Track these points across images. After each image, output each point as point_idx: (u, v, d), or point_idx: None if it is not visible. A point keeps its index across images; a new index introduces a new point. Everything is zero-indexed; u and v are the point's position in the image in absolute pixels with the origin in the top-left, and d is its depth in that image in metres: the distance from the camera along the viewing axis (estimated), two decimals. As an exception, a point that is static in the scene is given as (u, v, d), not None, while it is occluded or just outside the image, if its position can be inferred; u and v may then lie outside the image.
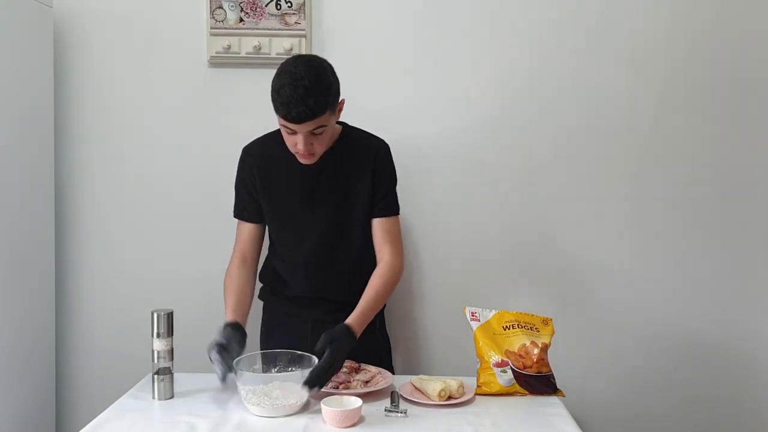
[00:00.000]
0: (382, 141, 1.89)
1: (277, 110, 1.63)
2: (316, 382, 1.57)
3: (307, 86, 1.59)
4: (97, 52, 2.20)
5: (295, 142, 1.68)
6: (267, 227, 1.94)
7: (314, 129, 1.65)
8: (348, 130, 1.88)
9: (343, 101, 1.73)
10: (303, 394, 1.58)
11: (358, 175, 1.83)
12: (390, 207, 1.88)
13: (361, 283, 1.81)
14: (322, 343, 1.62)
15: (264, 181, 1.86)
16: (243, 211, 1.91)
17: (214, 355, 1.63)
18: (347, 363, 1.74)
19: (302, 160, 1.75)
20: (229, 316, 1.78)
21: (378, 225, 1.87)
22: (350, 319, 1.71)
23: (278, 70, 1.65)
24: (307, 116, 1.61)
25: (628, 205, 2.25)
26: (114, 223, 2.23)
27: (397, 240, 1.89)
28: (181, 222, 2.23)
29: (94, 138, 2.22)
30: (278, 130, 1.87)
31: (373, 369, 1.74)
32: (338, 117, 1.76)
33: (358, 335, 1.70)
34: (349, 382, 1.66)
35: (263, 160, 1.87)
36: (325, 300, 1.88)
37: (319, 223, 1.84)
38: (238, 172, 1.91)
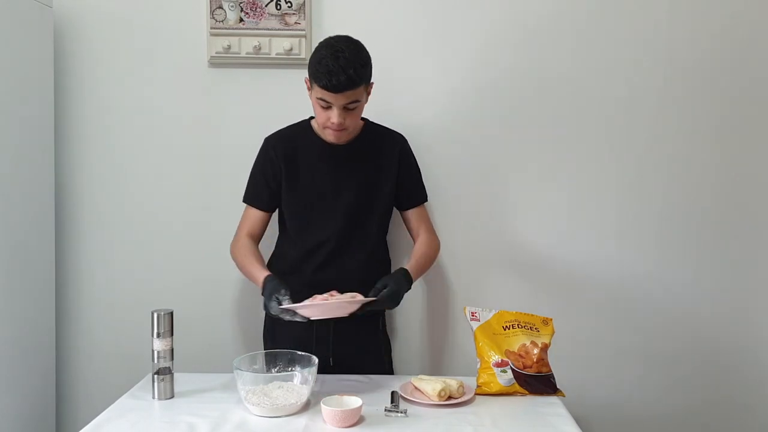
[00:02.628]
0: (401, 134, 2.00)
1: (318, 80, 1.71)
2: (377, 304, 1.70)
3: (347, 57, 1.69)
4: (97, 52, 2.20)
5: (329, 117, 1.76)
6: (281, 216, 1.98)
7: (349, 103, 1.73)
8: (370, 125, 1.96)
9: (372, 84, 1.81)
10: (303, 394, 1.58)
11: (381, 167, 1.93)
12: (420, 196, 2.03)
13: (370, 277, 1.81)
14: (382, 283, 1.73)
15: (289, 168, 1.91)
16: (255, 197, 1.95)
17: (286, 302, 1.66)
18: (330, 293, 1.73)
19: (331, 138, 1.82)
20: (263, 272, 1.81)
21: (411, 214, 2.01)
22: (408, 266, 1.84)
23: (317, 47, 1.75)
24: (347, 85, 1.70)
25: (629, 204, 2.24)
26: (114, 223, 2.23)
27: (430, 222, 2.05)
28: (181, 222, 2.23)
29: (94, 138, 2.22)
30: (299, 123, 1.96)
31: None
32: (368, 99, 1.82)
33: (413, 282, 1.82)
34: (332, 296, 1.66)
35: (290, 150, 1.92)
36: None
37: (340, 210, 1.90)
38: (258, 160, 1.96)
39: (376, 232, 1.96)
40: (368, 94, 1.83)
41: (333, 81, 1.68)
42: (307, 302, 1.63)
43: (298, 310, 1.61)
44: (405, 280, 1.79)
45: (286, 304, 1.64)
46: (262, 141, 1.95)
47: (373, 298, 1.69)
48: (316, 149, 1.90)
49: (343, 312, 1.64)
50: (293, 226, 1.95)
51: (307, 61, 2.06)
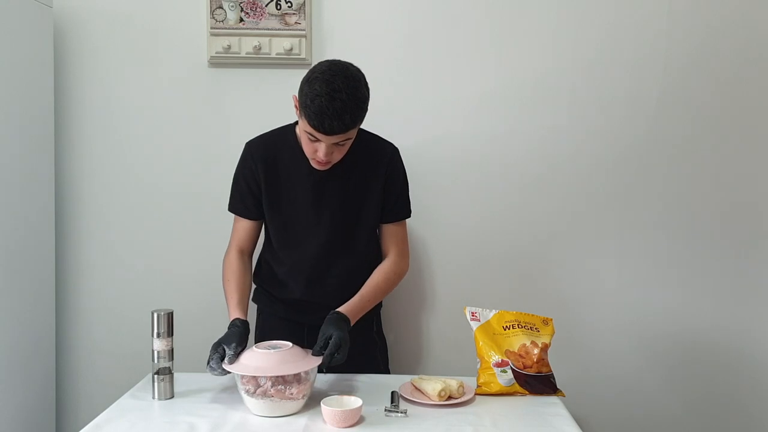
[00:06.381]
0: (393, 145, 1.87)
1: (309, 118, 1.58)
2: (326, 361, 1.59)
3: (344, 100, 1.55)
4: (98, 53, 2.20)
5: (315, 149, 1.65)
6: (266, 227, 1.91)
7: (340, 141, 1.63)
8: (359, 133, 1.81)
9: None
10: (304, 393, 1.58)
11: (368, 179, 1.82)
12: (402, 212, 1.90)
13: (362, 280, 1.80)
14: (323, 339, 1.63)
15: (269, 180, 1.82)
16: (240, 206, 1.86)
17: (215, 362, 1.61)
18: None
19: (317, 167, 1.72)
20: (236, 313, 1.75)
21: (387, 229, 1.89)
22: (343, 308, 1.72)
23: (311, 75, 1.59)
24: (340, 130, 1.58)
25: (628, 206, 2.24)
26: (114, 223, 2.23)
27: (404, 242, 1.92)
28: (181, 222, 2.23)
29: (94, 138, 2.22)
30: (283, 128, 1.87)
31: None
32: (353, 139, 1.72)
33: (352, 322, 1.72)
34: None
35: (269, 160, 1.82)
36: (322, 305, 1.80)
37: (324, 226, 1.82)
38: (239, 166, 1.86)
39: (364, 246, 1.86)
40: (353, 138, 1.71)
41: (325, 125, 1.55)
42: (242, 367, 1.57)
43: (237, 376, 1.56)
44: (345, 324, 1.69)
45: (227, 367, 1.57)
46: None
47: (319, 358, 1.60)
48: (298, 159, 1.77)
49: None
50: (276, 240, 1.86)
51: (307, 62, 2.05)
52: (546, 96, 2.21)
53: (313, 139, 1.64)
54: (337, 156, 1.70)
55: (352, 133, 1.65)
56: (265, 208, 1.84)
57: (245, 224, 1.87)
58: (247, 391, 1.56)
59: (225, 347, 1.62)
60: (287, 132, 1.85)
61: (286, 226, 1.84)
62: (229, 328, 1.70)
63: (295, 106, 1.68)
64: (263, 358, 1.57)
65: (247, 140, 1.90)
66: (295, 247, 1.84)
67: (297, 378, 1.58)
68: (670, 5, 2.19)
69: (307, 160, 1.76)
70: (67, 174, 2.22)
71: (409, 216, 1.92)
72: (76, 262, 2.24)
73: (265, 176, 1.82)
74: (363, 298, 1.79)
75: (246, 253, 1.89)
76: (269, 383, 1.55)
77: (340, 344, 1.61)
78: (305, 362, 1.58)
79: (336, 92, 1.54)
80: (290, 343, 1.63)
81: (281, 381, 1.56)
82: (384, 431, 1.48)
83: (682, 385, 2.29)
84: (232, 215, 1.90)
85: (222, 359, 1.60)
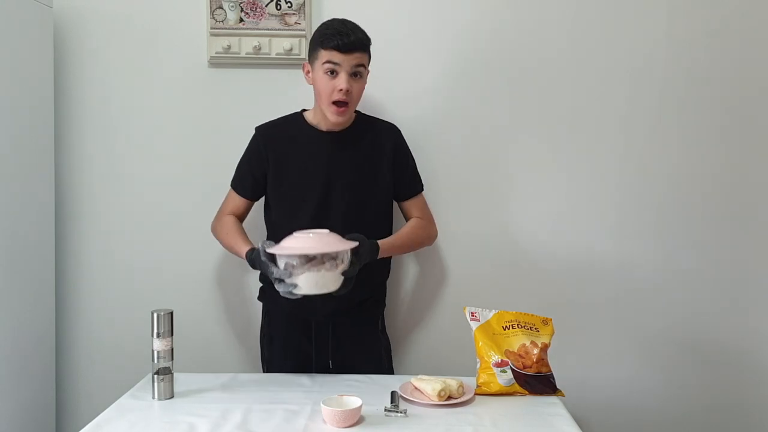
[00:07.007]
0: (395, 125, 1.99)
1: (328, 41, 1.74)
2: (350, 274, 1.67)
3: (354, 24, 1.79)
4: (97, 53, 2.20)
5: (335, 86, 1.76)
6: (271, 212, 1.94)
7: (356, 67, 1.76)
8: (362, 116, 1.97)
9: (368, 71, 1.84)
10: (341, 268, 1.63)
11: (377, 157, 1.91)
12: (416, 185, 2.01)
13: (372, 276, 1.79)
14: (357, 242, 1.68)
15: (279, 161, 1.89)
16: (239, 184, 1.97)
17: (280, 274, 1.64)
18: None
19: (334, 115, 1.80)
20: (246, 247, 1.81)
21: (408, 205, 2.00)
22: (381, 241, 1.80)
23: (319, 25, 1.83)
24: (356, 45, 1.75)
25: (629, 204, 2.24)
26: (114, 223, 2.23)
27: (428, 211, 2.04)
28: (181, 222, 2.23)
29: (94, 138, 2.22)
30: (292, 114, 1.94)
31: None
32: (365, 81, 1.84)
33: (381, 255, 1.79)
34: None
35: (280, 141, 1.90)
36: (329, 297, 1.76)
37: (335, 202, 1.86)
38: (247, 149, 1.96)
39: (375, 224, 1.90)
40: (365, 79, 1.84)
41: (344, 39, 1.73)
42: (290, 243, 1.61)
43: (286, 259, 1.61)
44: (372, 249, 1.76)
45: (271, 249, 1.63)
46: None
47: (356, 243, 1.66)
48: (308, 138, 1.88)
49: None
50: (283, 220, 1.88)
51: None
52: (545, 91, 2.21)
53: (331, 71, 1.76)
54: (356, 94, 1.80)
55: (365, 61, 1.79)
56: (272, 186, 1.91)
57: (238, 199, 1.97)
58: (294, 268, 1.59)
59: (274, 268, 1.64)
60: (296, 116, 1.95)
61: (297, 201, 1.88)
62: (250, 257, 1.75)
63: (307, 73, 1.85)
64: (315, 240, 1.60)
65: (247, 140, 1.96)
66: (304, 223, 1.81)
67: (341, 255, 1.63)
68: (668, 5, 2.20)
69: (317, 138, 1.86)
70: (67, 174, 2.22)
71: (423, 188, 2.03)
72: (76, 262, 2.24)
73: (274, 156, 1.89)
74: (397, 237, 1.89)
75: (238, 218, 1.98)
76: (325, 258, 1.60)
77: (367, 247, 1.71)
78: (346, 243, 1.64)
79: (345, 21, 1.80)
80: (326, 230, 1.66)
81: (333, 256, 1.61)
82: (384, 431, 1.48)
83: (683, 384, 2.28)
84: (230, 185, 2.00)
85: (279, 279, 1.63)
